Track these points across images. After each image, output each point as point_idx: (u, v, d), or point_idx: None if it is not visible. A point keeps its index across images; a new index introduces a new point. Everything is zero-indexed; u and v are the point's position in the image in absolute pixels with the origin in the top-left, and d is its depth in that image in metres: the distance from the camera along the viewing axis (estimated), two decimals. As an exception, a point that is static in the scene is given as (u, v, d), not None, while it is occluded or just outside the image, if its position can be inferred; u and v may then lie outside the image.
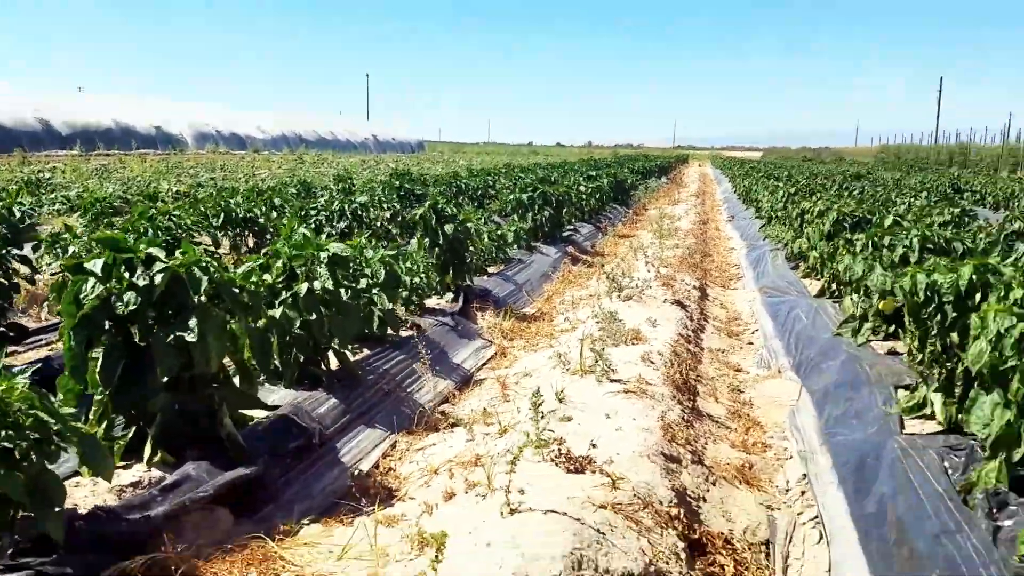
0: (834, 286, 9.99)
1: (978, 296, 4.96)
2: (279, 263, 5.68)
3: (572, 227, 16.80)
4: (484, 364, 7.41)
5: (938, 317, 5.19)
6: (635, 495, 3.97)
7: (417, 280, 7.38)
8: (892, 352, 7.24)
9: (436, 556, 2.77)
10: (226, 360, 4.51)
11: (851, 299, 8.25)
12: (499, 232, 11.42)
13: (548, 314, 9.71)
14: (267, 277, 5.58)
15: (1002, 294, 4.46)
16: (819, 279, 10.89)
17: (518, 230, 12.37)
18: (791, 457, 5.88)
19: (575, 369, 5.97)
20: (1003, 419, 4.16)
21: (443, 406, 6.10)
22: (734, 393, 7.53)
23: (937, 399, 5.26)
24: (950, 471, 4.50)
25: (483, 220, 11.97)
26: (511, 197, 14.06)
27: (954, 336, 4.97)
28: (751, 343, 9.86)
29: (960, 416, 5.12)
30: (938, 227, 8.17)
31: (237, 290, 4.43)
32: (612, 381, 5.77)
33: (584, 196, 18.32)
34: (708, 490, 4.97)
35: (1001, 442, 4.06)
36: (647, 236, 16.78)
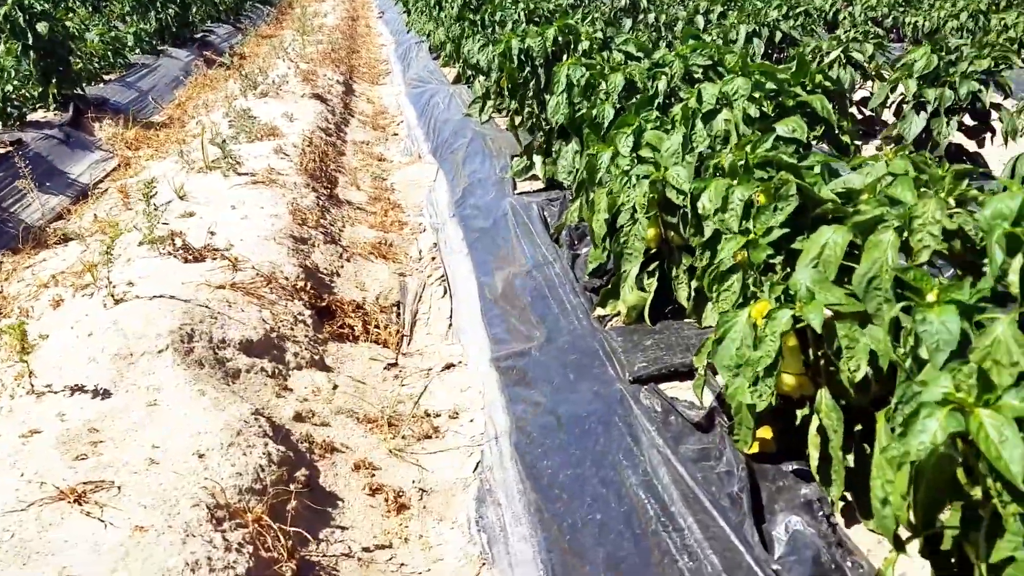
0: (467, 71, 10.44)
1: (565, 57, 5.46)
2: None
3: (207, 28, 15.52)
4: (106, 176, 6.89)
5: (533, 81, 5.67)
6: (258, 274, 4.07)
7: (9, 88, 6.49)
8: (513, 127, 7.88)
9: (22, 348, 2.68)
10: None
11: (479, 81, 8.69)
12: (113, 35, 10.22)
13: (180, 120, 9.13)
14: None
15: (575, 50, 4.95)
16: (454, 67, 11.30)
17: (139, 31, 11.18)
18: (424, 230, 6.30)
19: (200, 167, 5.76)
20: (582, 164, 4.76)
21: (57, 223, 5.64)
22: (377, 180, 7.76)
23: (538, 160, 5.84)
24: (548, 219, 5.12)
25: (100, 23, 10.61)
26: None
27: (547, 97, 5.47)
28: (396, 134, 10.09)
29: (555, 173, 5.76)
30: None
31: None
32: (240, 175, 5.68)
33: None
34: (342, 266, 5.22)
35: (582, 185, 4.66)
36: (291, 35, 16.01)
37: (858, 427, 2.41)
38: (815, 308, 2.25)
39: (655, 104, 3.86)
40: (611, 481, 2.73)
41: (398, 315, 4.82)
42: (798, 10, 9.55)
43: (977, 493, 1.54)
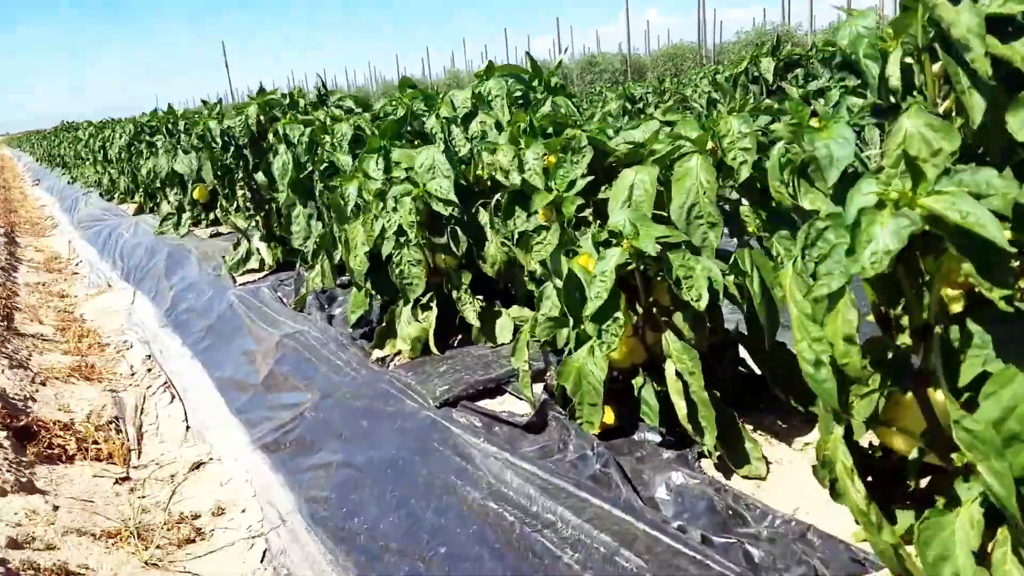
0: (151, 203, 9.68)
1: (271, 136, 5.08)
2: None
3: None
4: None
5: (240, 162, 5.22)
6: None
7: None
8: (217, 235, 7.24)
9: None
10: None
11: (167, 200, 7.99)
12: None
13: None
14: None
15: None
16: (134, 201, 10.53)
17: None
18: (131, 347, 5.43)
19: None
20: (316, 229, 4.36)
21: None
22: (63, 313, 6.73)
23: (260, 245, 5.33)
24: (283, 297, 4.60)
25: None
26: None
27: (260, 177, 5.02)
28: (76, 273, 9.03)
29: (284, 254, 5.29)
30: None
31: None
32: None
33: None
34: (37, 390, 4.25)
35: (318, 251, 4.25)
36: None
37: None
38: (647, 238, 2.06)
39: (402, 130, 3.61)
40: (449, 506, 2.26)
41: (118, 431, 3.96)
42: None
43: (923, 315, 1.37)
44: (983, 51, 1.24)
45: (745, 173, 2.10)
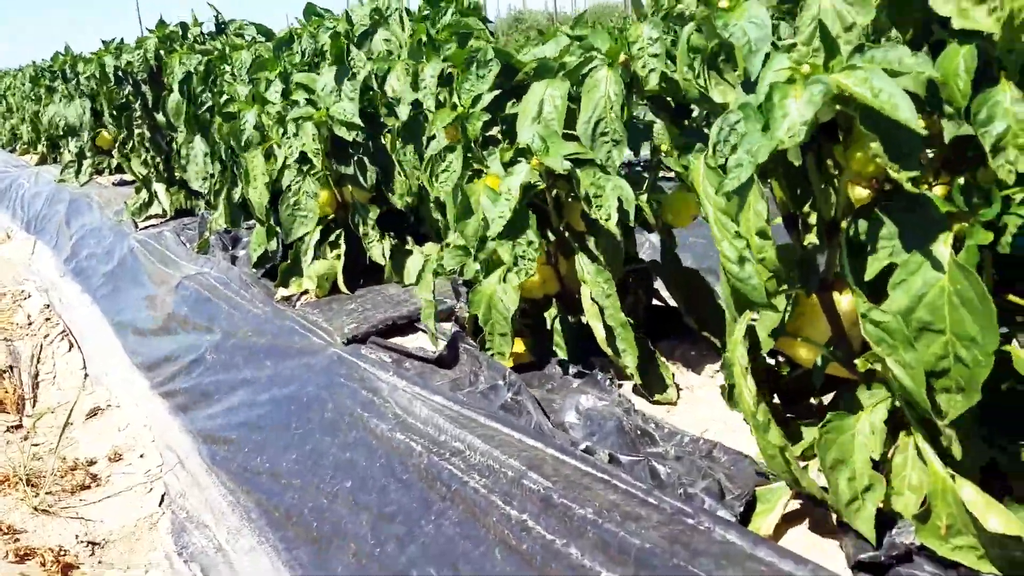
0: (54, 153, 9.21)
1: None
2: None
3: None
4: None
5: (138, 101, 4.92)
6: None
7: None
8: (121, 183, 6.88)
9: None
10: None
11: (68, 147, 7.54)
12: None
13: None
14: None
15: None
16: (37, 152, 10.02)
17: None
18: (28, 296, 5.14)
19: None
20: (216, 168, 4.13)
21: None
22: (-46, 266, 6.33)
23: (160, 188, 5.07)
24: (187, 241, 4.38)
25: None
26: None
27: (159, 116, 4.73)
28: (-30, 227, 8.52)
29: (186, 200, 5.05)
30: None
31: None
32: None
33: None
34: (-80, 341, 3.97)
35: (219, 190, 4.02)
36: None
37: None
38: (555, 154, 1.96)
39: (295, 48, 3.40)
40: (356, 441, 2.16)
41: (12, 381, 3.73)
42: None
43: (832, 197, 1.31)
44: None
45: (653, 81, 2.00)
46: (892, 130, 1.11)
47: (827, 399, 1.64)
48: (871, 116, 1.11)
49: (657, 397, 2.08)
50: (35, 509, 2.42)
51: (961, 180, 1.20)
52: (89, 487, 2.64)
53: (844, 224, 1.31)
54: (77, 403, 3.37)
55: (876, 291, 1.26)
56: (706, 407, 2.06)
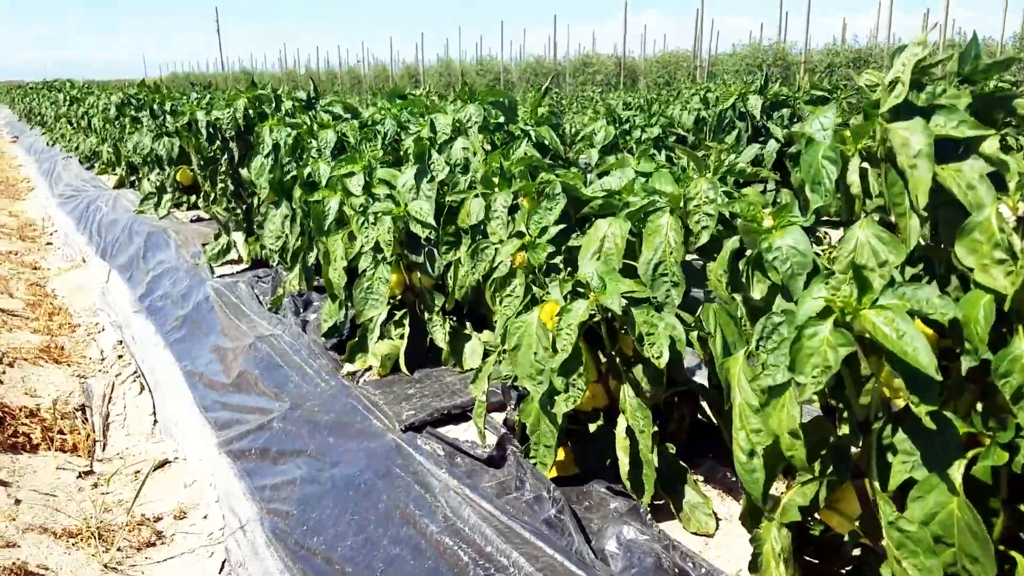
0: (132, 176, 9.66)
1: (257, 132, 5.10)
2: None
3: None
4: None
5: (225, 155, 5.22)
6: None
7: None
8: (198, 219, 7.24)
9: None
10: None
11: (149, 178, 7.95)
12: None
13: None
14: None
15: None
16: (115, 173, 10.49)
17: None
18: (103, 330, 5.43)
19: None
20: (294, 233, 4.38)
21: None
22: (35, 287, 6.68)
23: (239, 238, 5.35)
24: (261, 296, 4.63)
25: None
26: None
27: (244, 172, 5.04)
28: (51, 243, 8.97)
29: (262, 250, 5.30)
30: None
31: None
32: None
33: None
34: (5, 371, 4.26)
35: (298, 251, 4.28)
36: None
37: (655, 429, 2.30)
38: (612, 293, 2.13)
39: (381, 144, 3.65)
40: (406, 537, 2.33)
41: (85, 420, 3.99)
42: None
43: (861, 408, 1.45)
44: (929, 176, 1.32)
45: (705, 238, 2.16)
46: (913, 368, 1.26)
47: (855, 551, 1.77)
48: (893, 356, 1.26)
49: (694, 528, 2.22)
50: (105, 566, 2.62)
51: (980, 406, 1.34)
52: (154, 544, 2.84)
53: (876, 425, 1.45)
54: (146, 452, 3.60)
55: (901, 487, 1.39)
56: (744, 541, 2.18)
